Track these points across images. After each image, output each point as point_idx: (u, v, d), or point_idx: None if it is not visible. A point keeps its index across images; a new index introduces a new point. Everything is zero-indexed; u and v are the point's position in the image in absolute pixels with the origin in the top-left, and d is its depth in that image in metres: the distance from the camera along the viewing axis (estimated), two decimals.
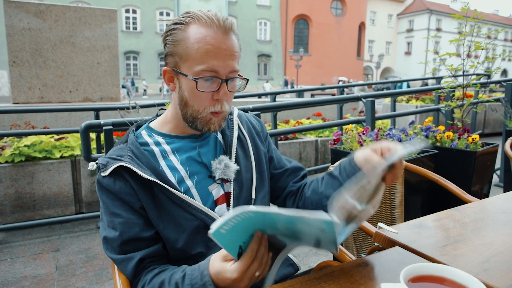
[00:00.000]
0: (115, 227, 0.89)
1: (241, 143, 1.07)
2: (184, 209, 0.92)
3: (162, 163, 0.96)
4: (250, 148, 1.08)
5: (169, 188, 0.91)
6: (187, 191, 0.95)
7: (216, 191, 1.00)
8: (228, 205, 1.00)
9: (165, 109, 1.09)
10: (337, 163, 1.11)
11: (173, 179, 0.94)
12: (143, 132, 1.01)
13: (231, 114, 1.12)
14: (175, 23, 0.92)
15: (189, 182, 0.96)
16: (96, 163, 0.94)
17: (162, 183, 0.90)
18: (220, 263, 0.77)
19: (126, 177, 0.90)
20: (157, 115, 1.09)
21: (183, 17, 0.92)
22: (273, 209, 0.66)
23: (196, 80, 0.90)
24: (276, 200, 1.18)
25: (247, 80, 1.00)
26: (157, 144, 0.99)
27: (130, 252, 0.90)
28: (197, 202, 0.94)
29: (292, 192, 1.14)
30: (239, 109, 1.17)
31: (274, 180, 1.15)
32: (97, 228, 3.22)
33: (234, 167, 1.00)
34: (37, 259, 2.64)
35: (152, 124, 1.04)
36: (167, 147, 0.99)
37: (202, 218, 0.93)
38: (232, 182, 1.01)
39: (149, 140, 0.99)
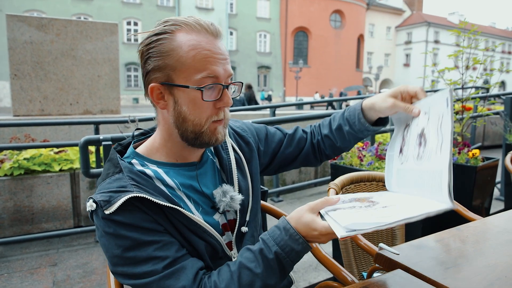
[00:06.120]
0: (150, 257, 0.78)
1: (238, 164, 1.00)
2: (198, 236, 0.86)
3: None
4: (246, 167, 1.02)
5: (186, 213, 0.82)
6: None
7: (220, 220, 0.94)
8: (232, 233, 0.96)
9: (142, 129, 1.01)
10: (339, 115, 1.11)
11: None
12: (134, 161, 0.89)
13: None
14: (157, 34, 0.82)
15: (195, 213, 0.90)
16: (94, 201, 0.79)
17: (179, 208, 0.81)
18: (310, 216, 0.79)
19: (141, 207, 0.79)
20: (133, 136, 0.98)
21: (165, 26, 0.82)
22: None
23: (202, 89, 0.82)
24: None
25: (242, 83, 0.94)
26: (155, 173, 0.88)
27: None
28: (212, 228, 0.88)
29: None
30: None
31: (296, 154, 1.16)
32: (95, 242, 3.19)
33: (239, 198, 0.93)
34: (34, 274, 2.61)
35: (140, 151, 0.92)
36: (165, 177, 0.88)
37: (214, 246, 0.89)
38: (237, 210, 0.95)
39: (144, 169, 0.88)
